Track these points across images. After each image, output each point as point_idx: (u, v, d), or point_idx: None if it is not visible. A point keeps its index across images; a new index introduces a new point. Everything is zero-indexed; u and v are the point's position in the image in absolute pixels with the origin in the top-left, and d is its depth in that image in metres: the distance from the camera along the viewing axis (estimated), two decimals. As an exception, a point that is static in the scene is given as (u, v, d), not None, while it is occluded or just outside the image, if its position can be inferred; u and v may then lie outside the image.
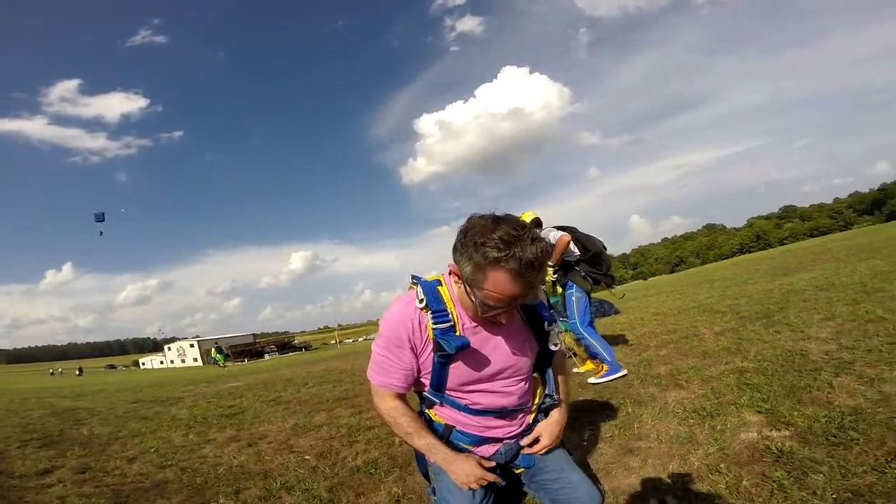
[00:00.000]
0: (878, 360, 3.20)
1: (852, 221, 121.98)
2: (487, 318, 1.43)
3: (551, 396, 1.67)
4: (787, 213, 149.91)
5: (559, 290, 4.68)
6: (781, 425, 2.55)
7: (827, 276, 8.04)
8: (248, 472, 3.28)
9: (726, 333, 5.16)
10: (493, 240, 1.28)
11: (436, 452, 1.54)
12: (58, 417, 6.31)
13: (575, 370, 4.86)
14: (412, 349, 1.51)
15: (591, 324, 4.45)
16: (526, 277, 1.30)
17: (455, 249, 1.41)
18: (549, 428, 1.62)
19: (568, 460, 1.65)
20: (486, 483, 1.51)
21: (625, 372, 4.21)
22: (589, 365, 4.83)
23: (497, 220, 1.34)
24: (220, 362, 43.27)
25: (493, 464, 1.57)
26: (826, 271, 9.01)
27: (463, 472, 1.50)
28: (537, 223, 4.72)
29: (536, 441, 1.61)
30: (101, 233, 22.37)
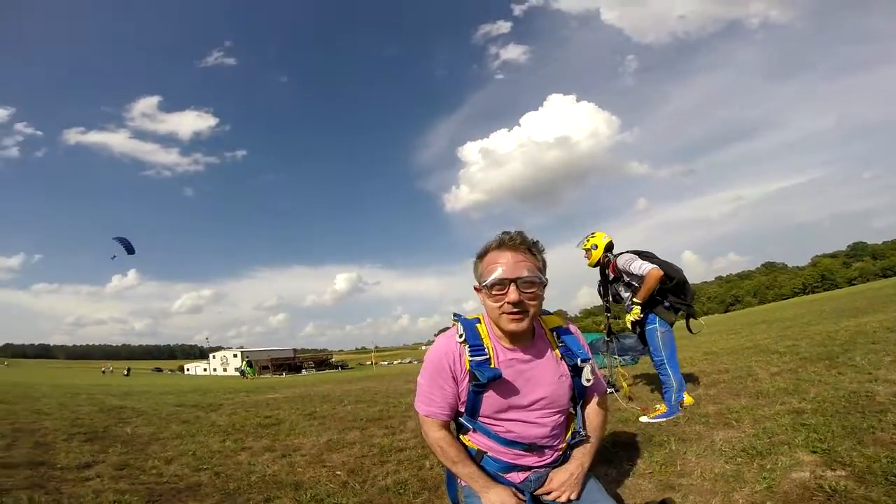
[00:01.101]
0: None
1: None
2: (503, 306, 1.57)
3: (579, 433, 1.76)
4: (857, 250, 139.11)
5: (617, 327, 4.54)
6: (837, 465, 2.40)
7: None
8: (280, 482, 3.29)
9: (783, 374, 4.90)
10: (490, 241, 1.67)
11: (476, 480, 1.66)
12: (105, 414, 6.60)
13: (628, 405, 4.58)
14: (454, 378, 1.66)
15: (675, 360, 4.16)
16: (508, 244, 1.60)
17: (473, 273, 1.71)
18: (560, 476, 1.68)
19: (602, 492, 1.69)
20: None
21: (679, 414, 3.94)
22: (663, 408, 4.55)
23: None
24: (249, 375, 45.06)
25: (525, 498, 1.66)
26: None
27: (498, 499, 1.60)
28: (610, 246, 4.56)
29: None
30: (114, 257, 23.23)
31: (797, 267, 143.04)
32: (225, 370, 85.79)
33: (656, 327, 4.14)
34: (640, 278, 4.12)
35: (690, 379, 5.51)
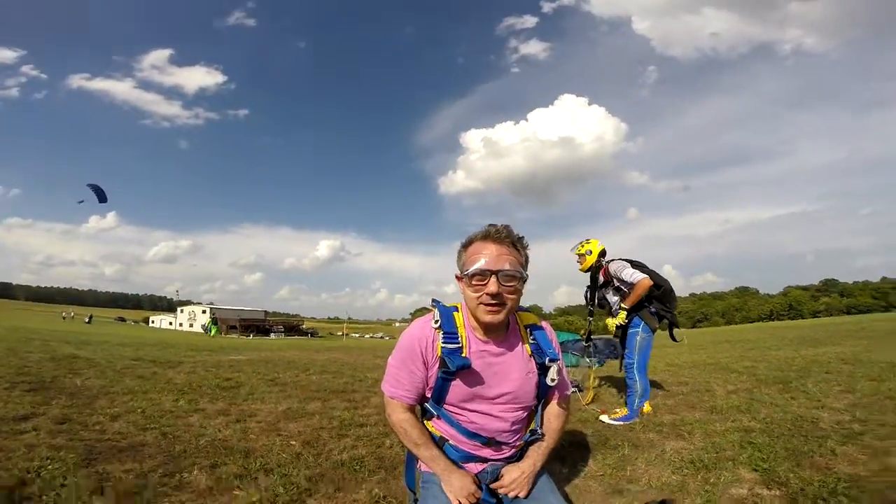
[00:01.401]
0: (889, 435, 3.22)
1: None
2: (481, 297, 1.57)
3: (537, 431, 1.78)
4: (828, 286, 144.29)
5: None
6: (774, 485, 2.52)
7: (856, 353, 7.93)
8: (230, 448, 3.15)
9: (739, 392, 5.10)
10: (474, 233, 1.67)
11: (438, 463, 1.66)
12: (55, 363, 6.34)
13: (588, 405, 4.67)
14: (424, 363, 1.67)
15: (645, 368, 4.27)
16: (493, 237, 1.60)
17: (456, 261, 1.70)
18: (512, 473, 1.68)
19: (553, 491, 1.71)
20: (475, 500, 1.60)
21: (637, 420, 4.02)
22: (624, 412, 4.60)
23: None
24: (212, 332, 42.77)
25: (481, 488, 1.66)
26: (856, 348, 8.87)
27: (460, 484, 1.60)
28: (603, 253, 4.66)
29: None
30: (82, 201, 22.09)
31: (768, 294, 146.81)
32: (192, 326, 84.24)
33: (639, 331, 4.23)
34: (630, 285, 4.21)
35: (651, 388, 5.53)
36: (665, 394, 5.16)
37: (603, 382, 6.34)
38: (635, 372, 4.16)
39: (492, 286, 1.55)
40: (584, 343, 5.58)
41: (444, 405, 1.69)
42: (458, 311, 1.73)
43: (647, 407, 4.46)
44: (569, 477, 2.86)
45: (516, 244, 1.63)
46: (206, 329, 47.32)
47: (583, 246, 4.73)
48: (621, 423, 3.93)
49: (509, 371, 1.68)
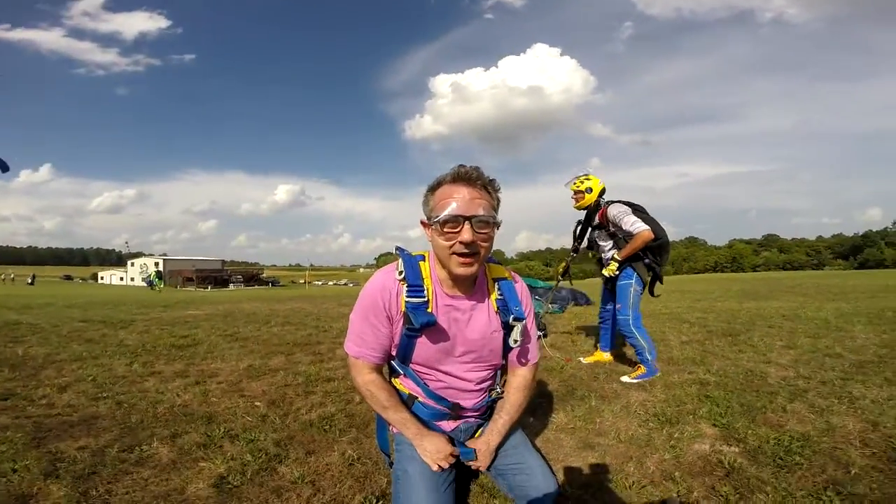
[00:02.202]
0: (830, 393, 3.35)
1: (826, 263, 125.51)
2: (454, 246, 1.43)
3: (496, 390, 1.73)
4: (768, 241, 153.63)
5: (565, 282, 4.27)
6: (734, 441, 2.61)
7: (794, 309, 8.46)
8: (191, 415, 3.01)
9: (692, 344, 5.29)
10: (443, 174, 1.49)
11: (409, 427, 1.58)
12: (-7, 331, 5.90)
13: (582, 359, 4.54)
14: (388, 318, 1.54)
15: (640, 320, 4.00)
16: (464, 178, 1.44)
17: (422, 205, 1.53)
18: (479, 446, 1.62)
19: (527, 445, 1.67)
20: (453, 460, 1.55)
21: (658, 374, 3.86)
22: (599, 355, 4.52)
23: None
24: (157, 286, 39.85)
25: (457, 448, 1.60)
26: (794, 304, 9.46)
27: (433, 447, 1.54)
28: (603, 192, 4.27)
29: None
30: None
31: (715, 246, 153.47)
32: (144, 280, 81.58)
33: (632, 283, 3.94)
34: (629, 235, 3.87)
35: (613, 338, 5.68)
36: (625, 343, 5.24)
37: (572, 329, 6.49)
38: (632, 328, 3.92)
39: (466, 234, 1.40)
40: (556, 280, 5.32)
41: (411, 364, 1.61)
42: (424, 260, 1.60)
43: (608, 356, 4.50)
44: (539, 429, 2.87)
45: (488, 186, 1.48)
46: (149, 283, 43.45)
47: (582, 182, 4.26)
48: (644, 379, 3.76)
49: (473, 328, 1.58)
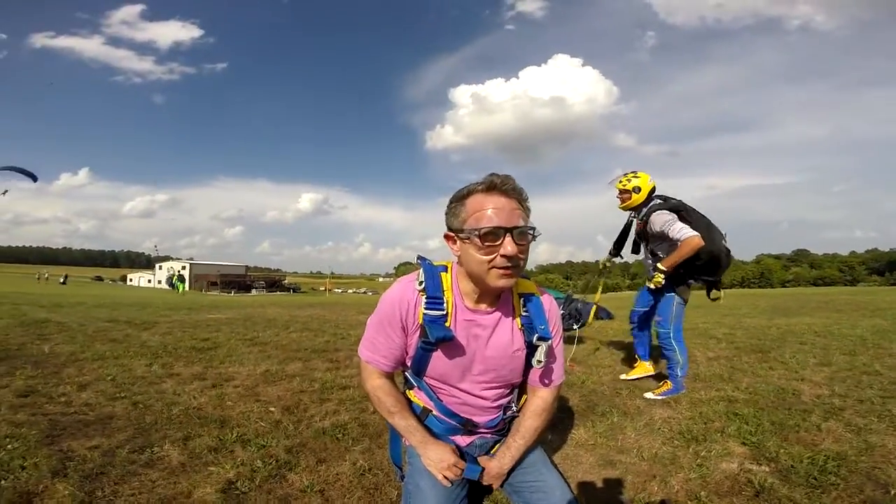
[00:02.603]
0: (869, 412, 3.19)
1: (860, 279, 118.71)
2: (494, 259, 1.31)
3: (512, 409, 1.61)
4: (799, 256, 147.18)
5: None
6: (764, 460, 2.49)
7: (827, 325, 8.02)
8: (205, 418, 3.00)
9: (720, 360, 5.05)
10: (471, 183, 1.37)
11: (414, 434, 1.51)
12: (24, 329, 6.06)
13: (623, 377, 4.28)
14: (403, 329, 1.47)
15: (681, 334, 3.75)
16: (500, 189, 1.33)
17: (446, 216, 1.42)
18: (491, 467, 1.51)
19: (546, 462, 1.58)
20: (458, 471, 1.45)
21: (684, 391, 3.67)
22: (642, 367, 4.22)
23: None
24: (179, 289, 40.64)
25: (465, 461, 1.51)
26: (827, 320, 8.94)
27: (437, 456, 1.46)
28: (653, 191, 3.85)
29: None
30: (6, 191, 19.93)
31: (742, 261, 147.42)
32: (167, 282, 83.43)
33: (674, 297, 3.68)
34: (676, 242, 3.49)
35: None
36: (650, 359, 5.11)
37: (599, 344, 6.35)
38: (673, 342, 3.66)
39: (509, 247, 1.30)
40: (598, 272, 4.76)
41: (425, 377, 1.53)
42: (446, 271, 1.50)
43: (650, 366, 4.21)
44: (558, 445, 2.79)
45: (521, 196, 1.38)
46: (172, 285, 45.04)
47: (630, 181, 3.83)
48: (669, 395, 3.58)
49: (494, 346, 1.48)
